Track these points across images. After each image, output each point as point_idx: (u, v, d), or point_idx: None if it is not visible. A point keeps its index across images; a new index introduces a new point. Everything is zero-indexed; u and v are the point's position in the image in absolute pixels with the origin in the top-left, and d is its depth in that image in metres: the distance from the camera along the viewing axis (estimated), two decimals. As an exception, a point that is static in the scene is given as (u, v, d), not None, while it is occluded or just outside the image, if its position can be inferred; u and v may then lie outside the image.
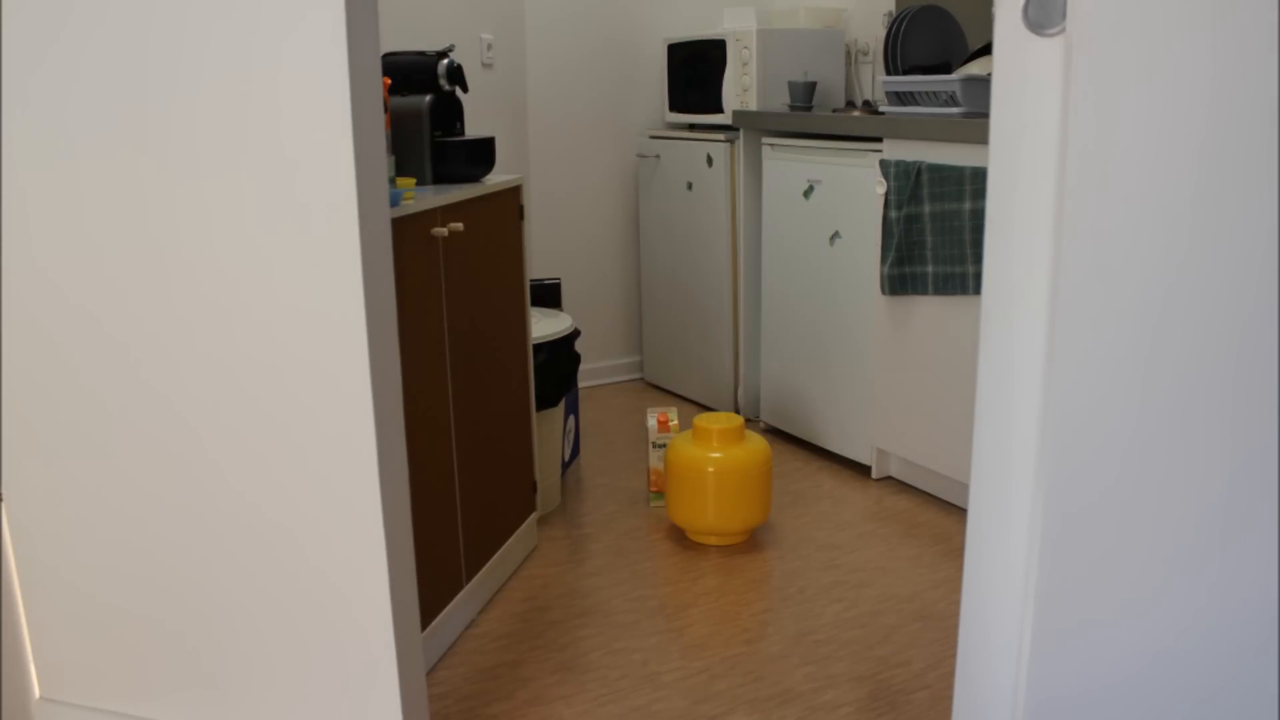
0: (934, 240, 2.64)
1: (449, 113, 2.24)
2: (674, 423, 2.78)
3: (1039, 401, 1.17)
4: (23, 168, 1.51)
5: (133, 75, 1.41)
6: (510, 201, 2.35)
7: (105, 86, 1.43)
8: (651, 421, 2.82)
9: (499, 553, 2.35)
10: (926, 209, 2.63)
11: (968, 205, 2.53)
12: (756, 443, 2.55)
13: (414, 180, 2.03)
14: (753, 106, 3.36)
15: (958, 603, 2.27)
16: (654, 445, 2.81)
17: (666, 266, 3.73)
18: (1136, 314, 1.08)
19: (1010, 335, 1.19)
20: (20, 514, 1.68)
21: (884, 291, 2.75)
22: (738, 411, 3.55)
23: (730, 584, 2.38)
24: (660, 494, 2.83)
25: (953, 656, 2.05)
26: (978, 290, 2.56)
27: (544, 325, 2.81)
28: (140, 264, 1.49)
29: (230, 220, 1.43)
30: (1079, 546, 1.16)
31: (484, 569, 2.27)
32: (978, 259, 2.55)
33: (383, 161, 1.43)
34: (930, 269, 2.67)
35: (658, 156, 3.68)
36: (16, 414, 1.63)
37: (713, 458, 2.48)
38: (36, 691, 1.79)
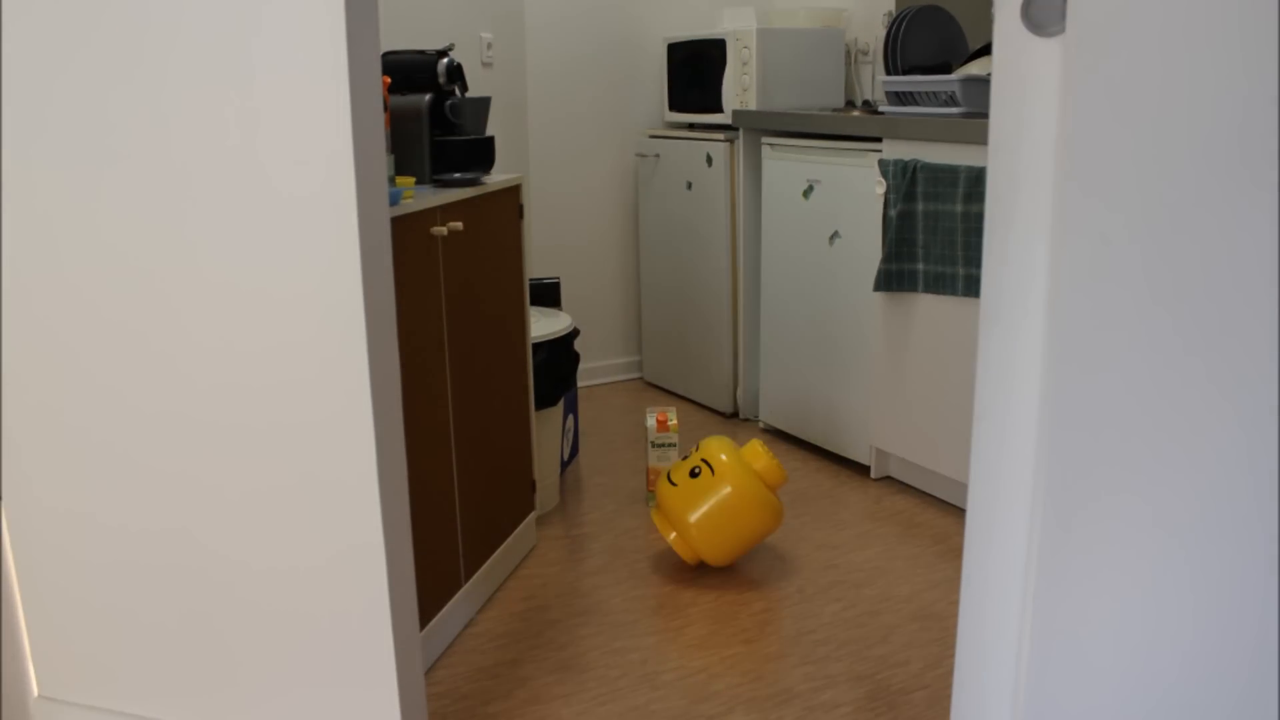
0: (925, 238, 2.65)
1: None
2: (673, 422, 2.76)
3: (1038, 402, 1.18)
4: (21, 165, 1.50)
5: (130, 73, 1.41)
6: (510, 201, 2.35)
7: (103, 84, 1.43)
8: (650, 421, 2.79)
9: (498, 552, 2.35)
10: (920, 207, 2.64)
11: (960, 208, 2.53)
12: (770, 502, 2.38)
13: (413, 179, 2.03)
14: (752, 106, 3.36)
15: (956, 603, 2.27)
16: (653, 445, 2.79)
17: (666, 266, 3.72)
18: (1135, 315, 1.08)
19: (1009, 335, 1.19)
20: (19, 513, 1.68)
21: (874, 287, 2.76)
22: (737, 412, 3.55)
23: (729, 583, 2.38)
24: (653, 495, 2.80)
25: (951, 656, 2.05)
26: (966, 292, 2.57)
27: (543, 324, 2.81)
28: (139, 264, 1.49)
29: (229, 219, 1.43)
30: (1077, 547, 1.16)
31: (482, 568, 2.27)
32: (968, 261, 2.55)
33: (382, 160, 1.43)
34: (921, 266, 2.67)
35: (657, 156, 3.68)
36: (15, 412, 1.63)
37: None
38: (35, 690, 1.79)
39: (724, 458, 2.36)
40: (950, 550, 2.53)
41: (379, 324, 1.44)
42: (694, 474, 2.37)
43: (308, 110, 1.35)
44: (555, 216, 3.79)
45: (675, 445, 2.77)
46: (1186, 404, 1.07)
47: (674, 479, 2.40)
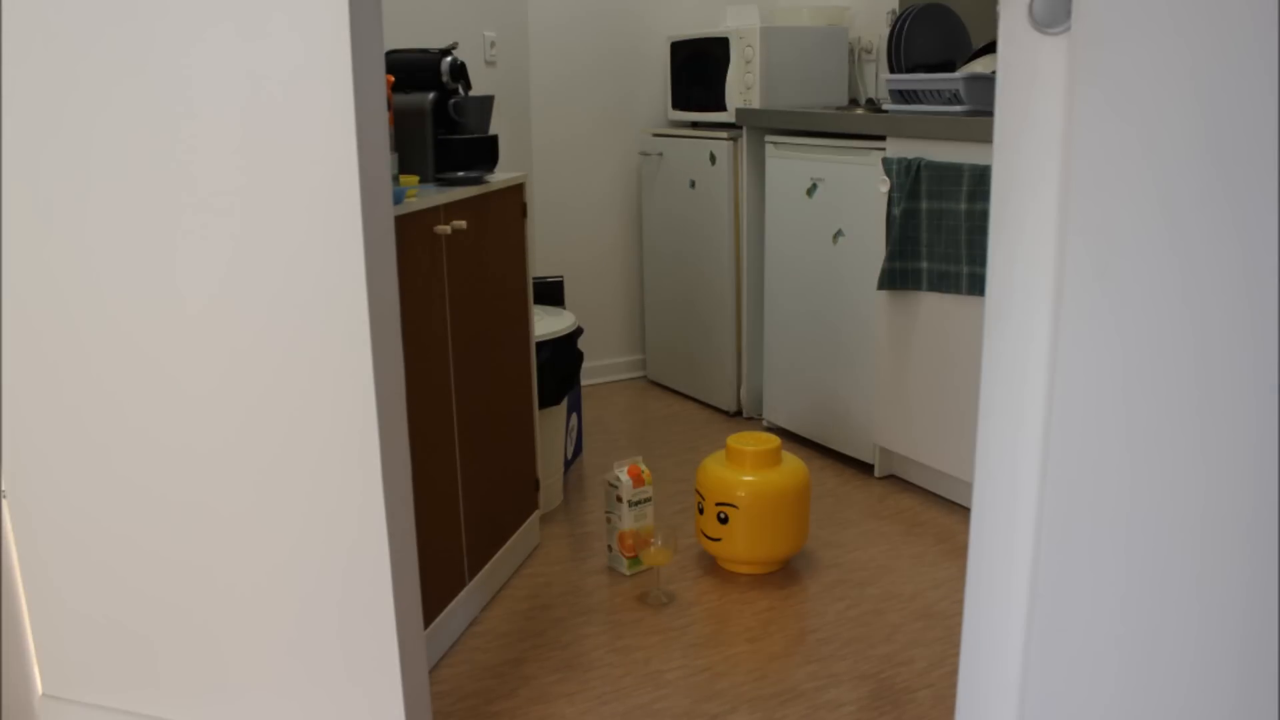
0: (929, 237, 2.64)
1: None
2: (646, 472, 2.41)
3: (1043, 400, 1.17)
4: (24, 163, 1.51)
5: (133, 71, 1.41)
6: (513, 199, 2.35)
7: (105, 84, 1.43)
8: (623, 476, 2.38)
9: (501, 550, 2.35)
10: (924, 205, 2.63)
11: (964, 206, 2.53)
12: (793, 465, 2.39)
13: (417, 178, 2.03)
14: (756, 104, 3.36)
15: (960, 601, 2.27)
16: (630, 504, 2.39)
17: (669, 264, 3.72)
18: (1142, 312, 1.08)
19: (1014, 334, 1.18)
20: (23, 511, 1.68)
21: (878, 285, 2.75)
22: (740, 410, 3.55)
23: (732, 582, 2.38)
24: (639, 559, 2.40)
25: (955, 655, 2.05)
26: (971, 290, 2.56)
27: (547, 323, 2.81)
28: (142, 262, 1.49)
29: (233, 218, 1.43)
30: (1083, 546, 1.16)
31: (486, 567, 2.27)
32: (971, 259, 2.55)
33: (386, 159, 1.43)
34: (925, 265, 2.67)
35: (660, 154, 3.67)
36: (19, 411, 1.63)
37: (745, 481, 2.33)
38: (39, 688, 1.79)
39: (740, 494, 2.35)
40: (954, 549, 2.53)
41: (383, 322, 1.44)
42: (722, 520, 2.35)
43: (311, 109, 1.35)
44: (559, 215, 3.79)
45: (651, 499, 2.42)
46: (1194, 402, 1.07)
47: (711, 534, 2.38)
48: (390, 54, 2.26)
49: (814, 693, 1.94)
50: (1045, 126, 1.12)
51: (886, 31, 3.53)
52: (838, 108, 3.40)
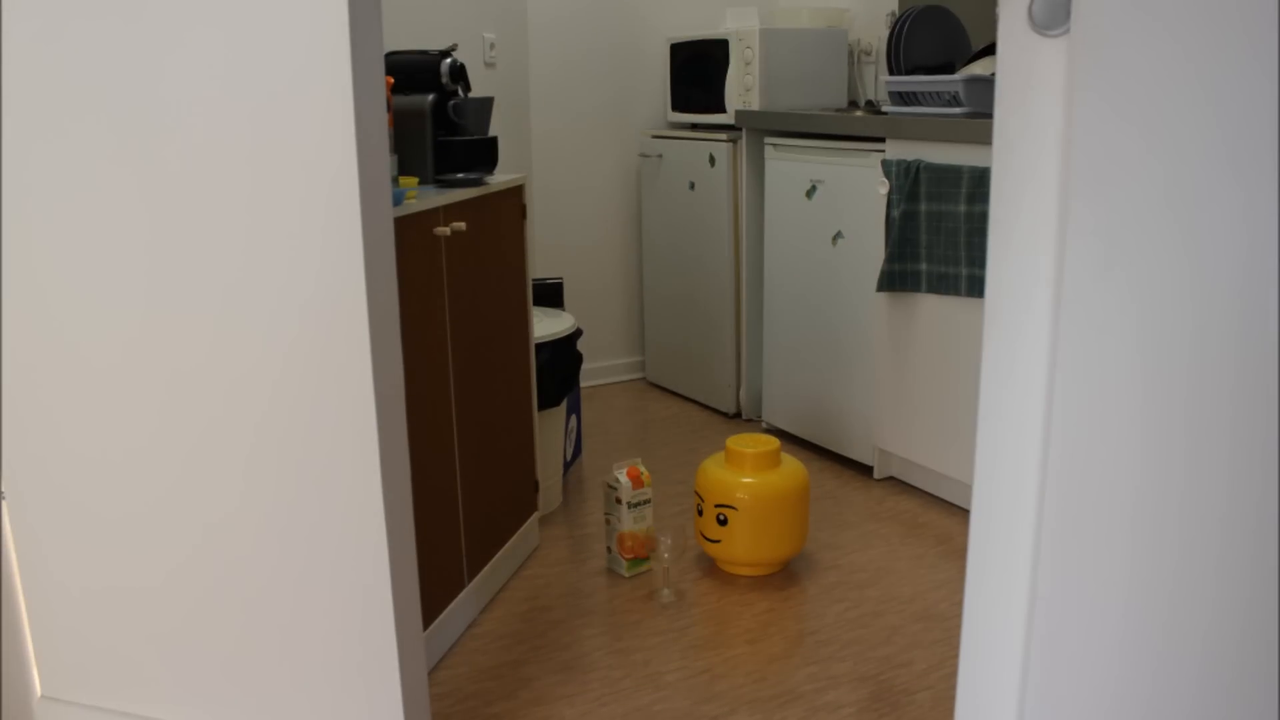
0: (928, 239, 2.65)
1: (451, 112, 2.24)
2: (645, 474, 2.40)
3: (1042, 402, 1.17)
4: (22, 162, 1.50)
5: (133, 72, 1.41)
6: (513, 201, 2.35)
7: (104, 82, 1.43)
8: (622, 478, 2.37)
9: (501, 552, 2.35)
10: (923, 207, 2.64)
11: (963, 208, 2.53)
12: (792, 467, 2.39)
13: (417, 179, 2.03)
14: (755, 106, 3.36)
15: (960, 603, 2.27)
16: (629, 505, 2.38)
17: (669, 266, 3.72)
18: (1142, 313, 1.08)
19: (1014, 336, 1.18)
20: (21, 512, 1.68)
21: (878, 287, 2.76)
22: (740, 412, 3.55)
23: (731, 584, 2.38)
24: (640, 559, 2.44)
25: (955, 657, 2.05)
26: (970, 292, 2.56)
27: (546, 325, 2.81)
28: (141, 262, 1.49)
29: (232, 219, 1.43)
30: (1082, 547, 1.16)
31: (486, 568, 2.27)
32: (971, 261, 2.55)
33: (385, 161, 1.43)
34: (924, 267, 2.67)
35: (660, 156, 3.68)
36: (18, 413, 1.63)
37: (745, 483, 2.33)
38: (38, 690, 1.79)
39: (739, 495, 2.36)
40: (954, 551, 2.53)
41: (382, 324, 1.44)
42: (722, 522, 2.35)
43: (311, 111, 1.35)
44: (558, 217, 3.79)
45: (650, 501, 2.42)
46: (1194, 403, 1.07)
47: (710, 535, 2.38)
48: (390, 55, 2.26)
49: (813, 694, 1.94)
50: (1045, 128, 1.12)
51: (886, 33, 3.53)
52: (837, 109, 3.40)
